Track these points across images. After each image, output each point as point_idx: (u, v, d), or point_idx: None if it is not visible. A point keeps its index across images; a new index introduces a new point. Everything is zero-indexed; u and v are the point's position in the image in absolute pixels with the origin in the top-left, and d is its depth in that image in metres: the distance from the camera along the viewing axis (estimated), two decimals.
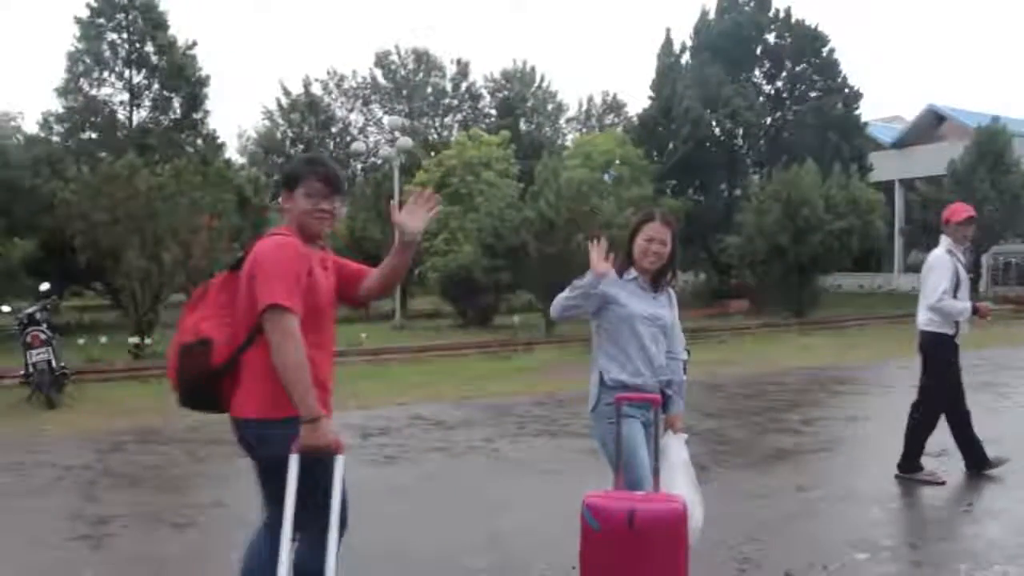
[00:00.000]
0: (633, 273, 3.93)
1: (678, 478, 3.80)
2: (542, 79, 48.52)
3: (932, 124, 35.85)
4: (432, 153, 26.62)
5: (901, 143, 35.27)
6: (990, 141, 26.60)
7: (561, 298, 3.84)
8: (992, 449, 6.54)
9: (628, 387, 3.80)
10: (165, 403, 10.09)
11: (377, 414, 9.33)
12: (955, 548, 4.83)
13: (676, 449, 3.92)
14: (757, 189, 24.45)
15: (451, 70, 49.65)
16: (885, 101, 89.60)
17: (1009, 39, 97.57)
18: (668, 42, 27.91)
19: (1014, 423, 8.65)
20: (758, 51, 27.72)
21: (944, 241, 6.37)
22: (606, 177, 26.81)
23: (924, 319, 6.34)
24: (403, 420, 8.97)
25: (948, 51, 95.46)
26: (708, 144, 26.36)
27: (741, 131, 26.94)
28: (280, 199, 3.19)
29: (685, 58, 27.82)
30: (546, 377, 12.48)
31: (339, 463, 2.99)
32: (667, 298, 4.04)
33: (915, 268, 34.30)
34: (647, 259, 3.90)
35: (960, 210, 6.41)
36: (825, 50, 27.57)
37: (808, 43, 27.38)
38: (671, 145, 26.42)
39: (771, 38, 27.78)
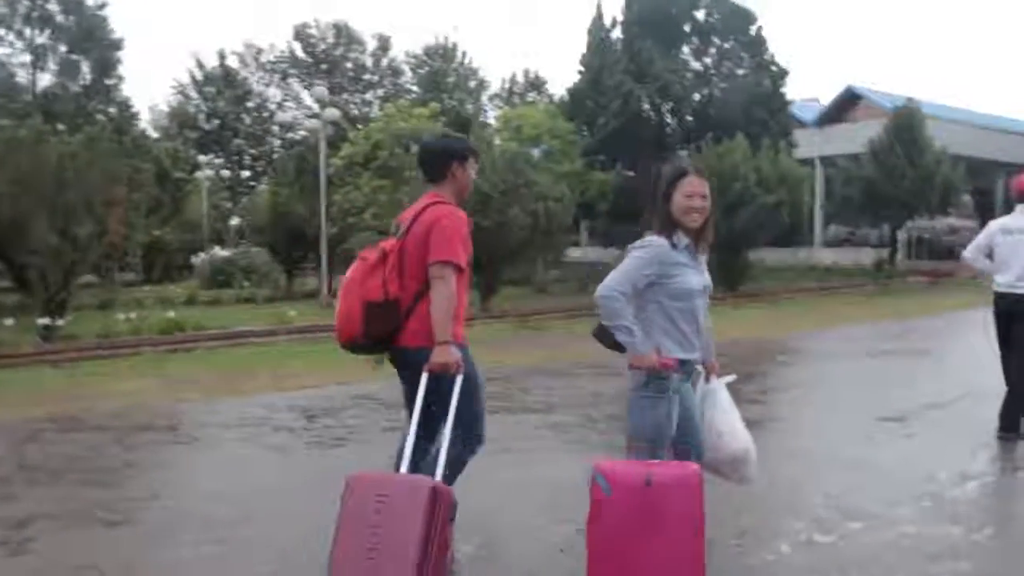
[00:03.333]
0: (684, 240, 3.64)
1: (733, 418, 3.91)
2: (464, 55, 47.91)
3: (849, 104, 36.44)
4: (359, 126, 25.90)
5: (821, 121, 35.79)
6: (905, 121, 27.08)
7: (613, 313, 3.52)
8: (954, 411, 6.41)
9: (683, 363, 3.64)
10: (84, 388, 9.49)
11: (319, 394, 8.81)
12: (952, 507, 4.60)
13: (723, 392, 3.96)
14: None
15: (372, 45, 48.61)
16: (800, 81, 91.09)
17: (919, 25, 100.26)
18: (599, 16, 27.61)
19: (961, 383, 8.70)
20: (687, 27, 27.59)
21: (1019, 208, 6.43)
22: (535, 151, 26.45)
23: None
24: (347, 400, 8.44)
25: (862, 35, 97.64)
26: (638, 119, 26.16)
27: (670, 106, 26.82)
28: (451, 173, 3.99)
29: (616, 33, 27.53)
30: (488, 351, 11.98)
31: (459, 381, 3.74)
32: (704, 258, 3.76)
33: (835, 243, 35.46)
34: (690, 217, 3.61)
35: None
36: (752, 28, 27.61)
37: (736, 21, 27.38)
38: (601, 120, 26.14)
39: (700, 15, 27.70)
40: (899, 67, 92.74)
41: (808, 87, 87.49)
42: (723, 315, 17.21)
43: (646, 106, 26.43)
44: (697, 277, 3.67)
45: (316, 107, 42.50)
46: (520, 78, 50.83)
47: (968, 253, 6.77)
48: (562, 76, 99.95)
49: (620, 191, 26.86)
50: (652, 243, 3.60)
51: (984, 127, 34.11)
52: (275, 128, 48.01)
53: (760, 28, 27.77)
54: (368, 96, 48.41)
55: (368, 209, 21.59)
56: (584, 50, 27.45)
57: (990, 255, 6.55)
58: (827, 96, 39.79)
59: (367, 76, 48.59)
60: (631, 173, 28.14)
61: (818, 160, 32.58)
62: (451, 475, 3.78)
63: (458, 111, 38.83)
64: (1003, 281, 6.36)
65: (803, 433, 6.88)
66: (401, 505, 3.25)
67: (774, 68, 27.49)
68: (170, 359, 11.85)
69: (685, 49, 27.88)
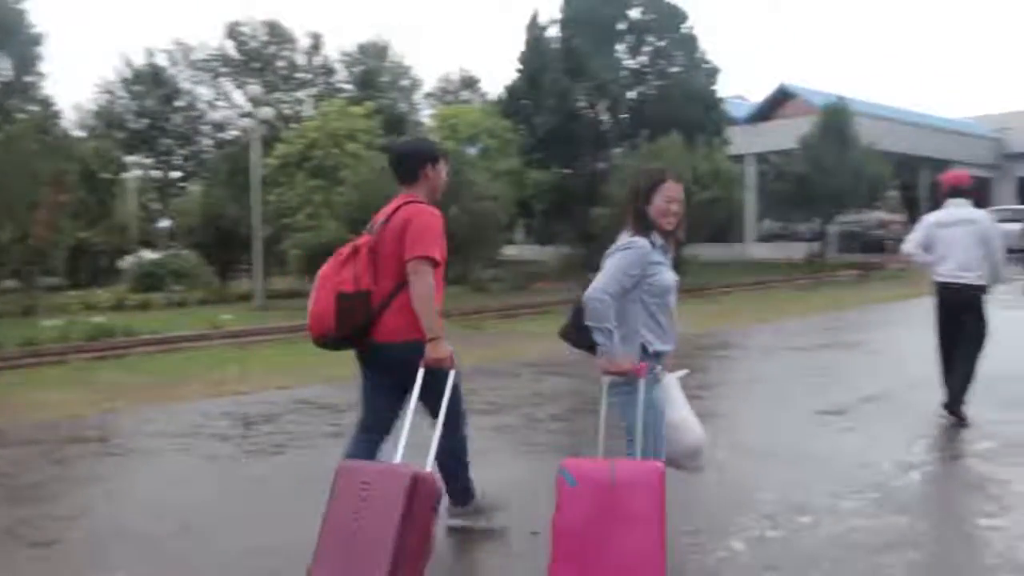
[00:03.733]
0: (659, 240, 3.83)
1: (687, 411, 4.06)
2: (396, 53, 47.54)
3: (780, 101, 37.02)
4: (292, 125, 25.44)
5: (753, 118, 36.31)
6: (835, 118, 27.57)
7: (600, 316, 3.65)
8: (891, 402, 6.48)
9: (662, 356, 3.87)
10: (7, 399, 9.12)
11: (256, 399, 8.57)
12: (897, 497, 4.62)
13: (676, 387, 4.14)
14: (623, 161, 24.51)
15: (304, 42, 47.93)
16: (731, 80, 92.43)
17: (847, 26, 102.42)
18: (535, 15, 27.65)
19: (896, 375, 8.83)
20: (622, 26, 27.70)
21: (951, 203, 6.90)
22: (471, 150, 26.34)
23: (976, 275, 6.63)
24: (287, 405, 8.23)
25: (789, 34, 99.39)
26: (575, 117, 26.21)
27: (606, 104, 26.92)
28: (423, 174, 4.16)
29: (553, 31, 27.56)
30: None
31: (452, 375, 3.93)
32: (671, 255, 3.97)
33: (767, 238, 36.01)
34: (667, 220, 3.83)
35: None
36: (685, 27, 27.83)
37: (669, 19, 27.57)
38: (538, 118, 26.12)
39: (635, 13, 27.82)
40: (828, 66, 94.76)
41: (738, 86, 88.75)
42: None
43: (583, 104, 26.51)
44: (670, 273, 3.86)
45: (248, 106, 41.90)
46: (454, 76, 50.70)
47: (908, 247, 7.02)
48: (497, 75, 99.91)
49: (557, 189, 26.89)
50: (635, 244, 3.74)
51: (909, 123, 34.93)
52: (206, 128, 47.01)
53: (692, 27, 28.06)
54: (301, 95, 47.69)
55: (303, 209, 21.28)
56: (522, 48, 27.43)
57: (927, 248, 6.86)
58: (756, 94, 40.45)
59: (300, 75, 47.89)
60: (568, 171, 28.20)
61: (751, 157, 33.05)
62: (459, 460, 4.23)
63: (392, 110, 38.55)
64: (945, 272, 6.70)
65: (746, 428, 6.87)
66: (382, 493, 3.37)
67: (707, 66, 27.77)
68: (99, 367, 11.50)
69: (620, 47, 27.99)
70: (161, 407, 8.39)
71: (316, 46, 47.84)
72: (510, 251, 31.15)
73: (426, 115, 44.07)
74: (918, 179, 35.63)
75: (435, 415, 3.92)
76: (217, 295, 22.88)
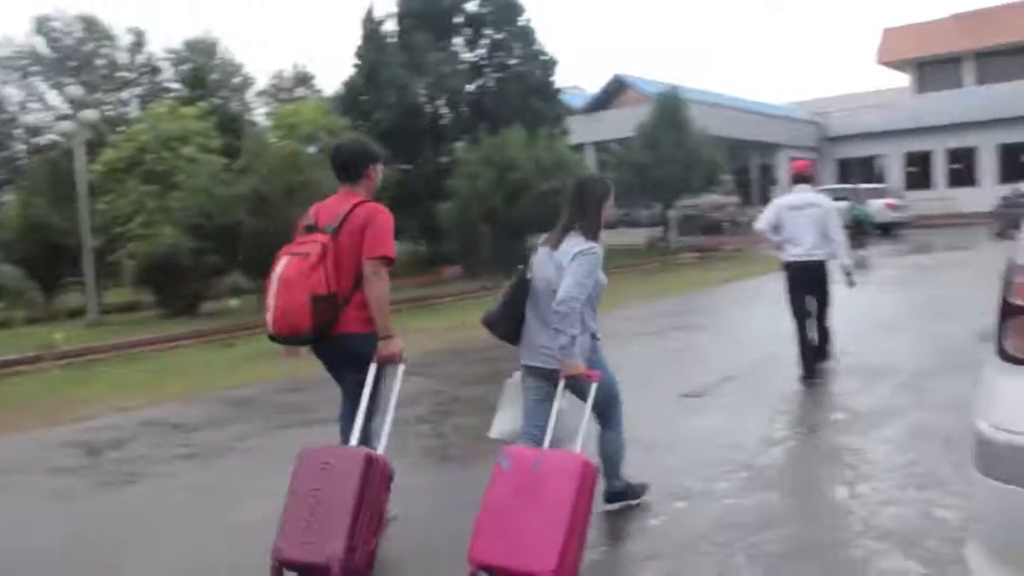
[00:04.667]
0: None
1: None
2: (226, 50, 45.88)
3: (616, 91, 37.91)
4: (118, 128, 24.14)
5: (590, 109, 37.03)
6: (670, 106, 28.35)
7: (573, 320, 4.02)
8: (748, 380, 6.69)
9: (597, 337, 4.41)
10: None
11: (99, 424, 8.00)
12: (765, 474, 4.74)
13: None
14: (465, 155, 24.48)
15: (125, 40, 45.58)
16: (567, 71, 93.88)
17: (675, 17, 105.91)
18: (371, 9, 27.11)
19: (749, 353, 9.12)
20: (459, 19, 27.62)
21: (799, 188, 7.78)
22: (311, 149, 25.70)
23: (822, 252, 7.39)
24: (133, 428, 7.73)
25: (620, 25, 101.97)
26: (414, 112, 25.95)
27: (446, 98, 26.78)
28: (366, 174, 4.39)
29: (389, 25, 27.19)
30: (278, 362, 11.51)
31: (399, 368, 4.18)
32: None
33: (609, 225, 36.53)
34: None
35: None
36: (522, 19, 27.99)
37: (505, 12, 27.65)
38: (377, 114, 25.71)
39: (471, 7, 27.79)
40: (658, 56, 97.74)
41: (574, 76, 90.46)
42: None
43: (422, 99, 26.28)
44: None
45: (67, 108, 39.47)
46: (287, 73, 49.37)
47: (760, 224, 7.69)
48: (333, 71, 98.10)
49: (400, 185, 26.58)
50: (595, 249, 4.15)
51: (738, 110, 36.42)
52: (18, 132, 44.05)
53: (529, 20, 28.22)
54: (125, 95, 45.43)
55: (136, 217, 20.23)
56: (358, 43, 26.93)
57: (775, 228, 7.55)
58: (592, 85, 41.27)
59: (122, 73, 45.54)
60: (409, 167, 27.94)
61: (590, 146, 33.69)
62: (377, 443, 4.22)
63: (226, 109, 37.26)
64: (798, 252, 7.38)
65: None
66: (340, 471, 3.70)
67: (544, 58, 28.03)
68: None
69: (458, 41, 27.92)
70: None
71: (139, 43, 45.62)
72: None
73: (260, 114, 42.72)
74: (749, 163, 37.22)
75: (377, 401, 4.19)
76: (45, 312, 21.47)
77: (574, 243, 4.14)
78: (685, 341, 10.71)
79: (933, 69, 45.42)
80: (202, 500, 5.43)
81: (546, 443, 3.92)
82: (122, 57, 45.67)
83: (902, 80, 47.18)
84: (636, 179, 27.97)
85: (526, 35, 28.05)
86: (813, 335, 7.59)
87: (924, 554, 3.79)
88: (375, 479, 3.71)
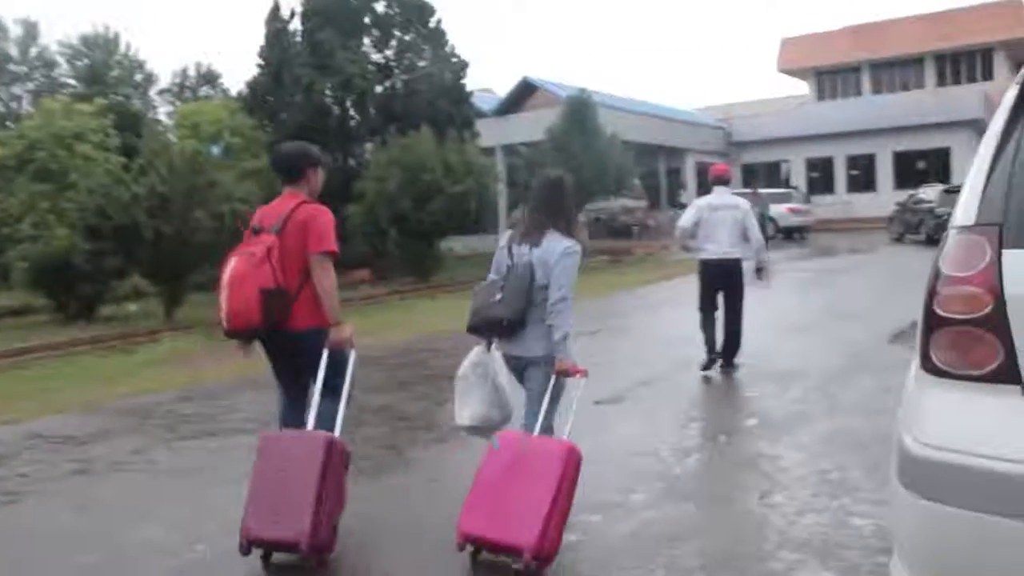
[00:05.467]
0: None
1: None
2: (127, 47, 44.38)
3: (525, 94, 37.88)
4: (8, 124, 23.08)
5: (499, 111, 36.92)
6: (579, 109, 28.46)
7: (570, 318, 4.29)
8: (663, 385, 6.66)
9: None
10: None
11: None
12: (681, 484, 4.68)
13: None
14: (372, 157, 24.11)
15: (15, 32, 43.72)
16: (477, 73, 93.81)
17: (583, 22, 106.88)
18: (276, 7, 26.43)
19: (664, 357, 9.09)
20: (367, 19, 27.18)
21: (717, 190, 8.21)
22: (215, 149, 25.03)
23: (738, 251, 7.91)
24: (18, 442, 7.21)
25: (529, 28, 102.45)
26: (321, 113, 25.44)
27: (353, 99, 26.31)
28: (307, 175, 4.65)
29: (295, 24, 26.56)
30: (180, 369, 11.08)
31: (352, 354, 4.52)
32: None
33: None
34: None
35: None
36: (432, 20, 27.70)
37: (415, 13, 27.35)
38: (283, 114, 25.15)
39: (380, 7, 27.34)
40: (567, 60, 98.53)
41: (484, 79, 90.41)
42: (418, 309, 17.09)
43: (329, 99, 25.77)
44: None
45: None
46: (192, 71, 48.02)
47: (683, 222, 8.13)
48: (240, 70, 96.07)
49: None
50: (578, 247, 4.33)
51: (646, 114, 36.76)
52: None
53: (440, 21, 27.93)
54: (16, 90, 43.59)
55: (26, 218, 19.29)
56: (262, 42, 26.30)
57: (695, 225, 8.01)
58: (501, 88, 41.17)
59: (13, 67, 43.67)
60: None
61: (500, 148, 33.57)
62: (332, 425, 4.38)
63: (126, 107, 36.08)
64: (715, 250, 7.86)
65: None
66: (303, 453, 4.03)
67: (455, 60, 27.81)
68: None
69: (366, 41, 27.46)
70: None
71: (32, 36, 43.81)
72: None
73: (164, 113, 41.48)
74: (658, 166, 37.65)
75: (332, 387, 4.40)
76: None
77: (557, 241, 4.27)
78: (599, 346, 10.62)
79: (831, 78, 46.86)
80: (93, 520, 5.10)
81: (537, 429, 4.28)
82: (13, 50, 43.78)
83: (803, 88, 48.53)
84: None
85: (437, 37, 27.80)
86: (719, 334, 8.02)
87: (842, 564, 3.76)
88: (336, 460, 4.05)
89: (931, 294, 2.42)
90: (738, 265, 7.93)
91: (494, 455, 4.04)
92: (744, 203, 8.13)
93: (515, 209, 36.42)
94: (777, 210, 28.08)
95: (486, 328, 4.39)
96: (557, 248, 4.23)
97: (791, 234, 29.68)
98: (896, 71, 44.86)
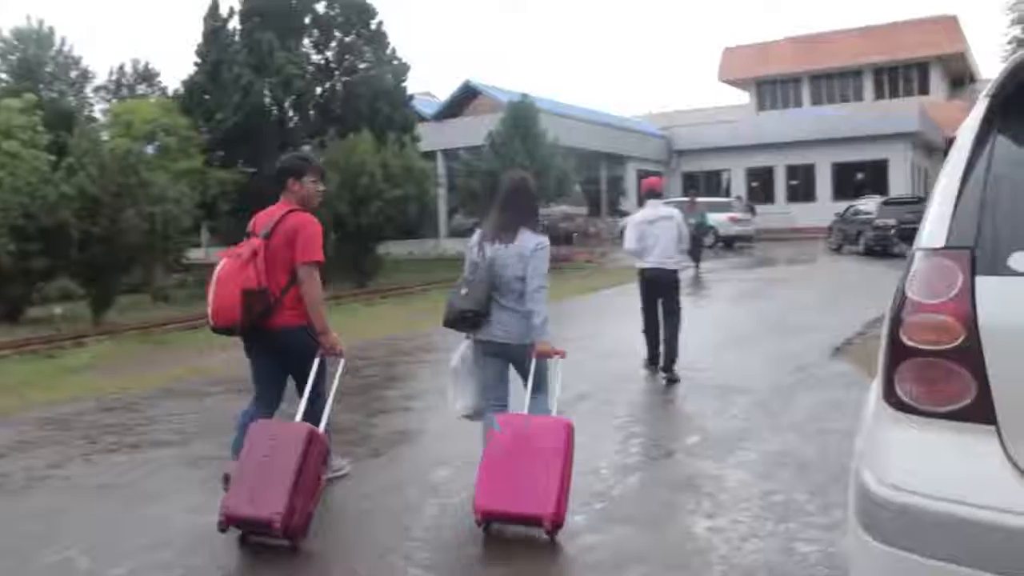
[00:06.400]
0: None
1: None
2: (63, 42, 43.12)
3: (467, 98, 37.66)
4: None
5: (440, 115, 36.65)
6: (521, 115, 28.29)
7: (544, 309, 4.82)
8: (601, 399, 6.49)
9: None
10: None
11: None
12: (622, 506, 4.51)
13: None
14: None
15: None
16: (418, 77, 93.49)
17: (527, 29, 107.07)
18: (215, 5, 25.85)
19: (602, 370, 8.94)
20: (308, 20, 26.72)
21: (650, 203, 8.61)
22: (149, 149, 24.38)
23: (676, 260, 8.46)
24: None
25: (479, 36, 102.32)
26: (259, 113, 24.93)
27: (292, 100, 25.85)
28: (288, 185, 5.00)
29: (233, 23, 26.00)
30: (106, 376, 10.66)
31: (340, 361, 5.05)
32: None
33: (459, 233, 36.49)
34: None
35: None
36: (373, 23, 27.35)
37: (357, 15, 26.97)
38: (220, 114, 24.60)
39: (320, 7, 26.91)
40: (511, 66, 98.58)
41: (425, 83, 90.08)
42: (354, 314, 16.68)
43: (267, 100, 25.28)
44: None
45: None
46: (128, 69, 46.83)
47: (629, 245, 8.49)
48: (177, 68, 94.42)
49: (243, 189, 25.54)
50: (547, 242, 4.84)
51: (588, 121, 36.77)
52: None
53: (381, 23, 27.63)
54: None
55: None
56: (199, 40, 25.72)
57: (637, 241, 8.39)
58: (442, 92, 40.91)
59: None
60: (253, 170, 26.92)
61: (440, 153, 33.31)
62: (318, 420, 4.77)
63: (58, 104, 35.01)
64: (653, 260, 8.27)
65: (458, 442, 6.23)
66: (285, 442, 4.32)
67: (396, 63, 27.48)
68: None
69: (306, 42, 27.01)
70: None
71: None
72: (196, 254, 29.30)
73: (99, 110, 40.33)
74: (599, 174, 37.68)
75: (315, 391, 4.87)
76: None
77: (528, 237, 4.77)
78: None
79: (772, 88, 47.50)
80: (2, 540, 4.77)
81: (525, 409, 4.72)
82: None
83: (744, 98, 49.08)
84: (486, 187, 27.82)
85: (378, 39, 27.49)
86: (671, 340, 8.36)
87: None
88: (315, 452, 4.36)
89: (896, 321, 2.23)
90: (674, 274, 8.42)
91: (498, 437, 4.42)
92: (677, 213, 8.59)
93: (455, 213, 36.26)
94: (718, 219, 28.18)
95: (458, 321, 4.81)
96: (530, 243, 4.73)
97: (731, 243, 29.87)
98: (836, 83, 45.65)
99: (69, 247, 15.67)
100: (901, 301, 2.23)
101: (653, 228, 8.28)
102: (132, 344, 13.39)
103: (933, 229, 2.25)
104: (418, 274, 24.28)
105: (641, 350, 8.88)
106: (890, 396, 2.24)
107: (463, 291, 4.78)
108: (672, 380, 8.11)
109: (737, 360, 9.28)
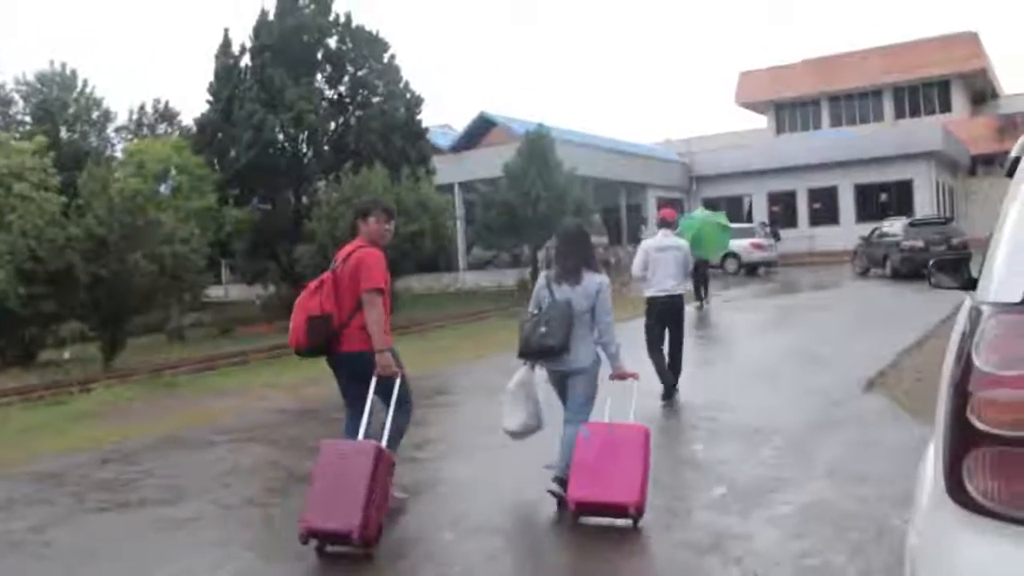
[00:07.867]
0: None
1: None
2: (85, 84, 43.38)
3: (483, 130, 37.41)
4: None
5: (457, 147, 36.40)
6: (537, 145, 27.96)
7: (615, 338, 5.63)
8: None
9: None
10: None
11: None
12: None
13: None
14: (325, 196, 23.37)
15: None
16: (434, 109, 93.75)
17: (544, 59, 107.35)
18: (227, 42, 25.69)
19: (616, 404, 8.39)
20: (319, 55, 26.52)
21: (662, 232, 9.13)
22: (162, 188, 24.24)
23: (680, 288, 8.87)
24: None
25: (495, 67, 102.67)
26: (272, 150, 24.67)
27: (305, 136, 25.61)
28: (355, 224, 5.78)
29: (245, 60, 25.83)
30: (110, 423, 10.33)
31: (398, 380, 5.42)
32: None
33: (478, 266, 36.16)
34: None
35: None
36: (386, 56, 27.08)
37: (369, 48, 26.73)
38: (233, 152, 24.39)
39: (332, 42, 26.67)
40: (527, 97, 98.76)
41: (440, 115, 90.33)
42: None
43: (280, 136, 25.02)
44: None
45: None
46: (149, 108, 47.00)
47: (636, 270, 8.94)
48: (195, 106, 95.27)
49: (258, 227, 25.30)
50: (607, 280, 5.58)
51: (606, 150, 36.39)
52: None
53: (393, 56, 27.33)
54: None
55: None
56: (212, 78, 25.58)
57: (645, 267, 8.85)
58: (458, 123, 40.74)
59: None
60: (269, 207, 26.67)
61: (457, 185, 33.02)
62: (396, 440, 5.44)
63: (78, 145, 35.10)
64: (662, 288, 8.70)
65: (464, 501, 5.92)
66: (355, 459, 4.72)
67: (409, 96, 27.22)
68: None
69: (319, 77, 26.77)
70: None
71: None
72: (216, 292, 29.07)
73: (120, 150, 40.42)
74: (619, 202, 37.27)
75: (385, 405, 5.43)
76: None
77: (591, 278, 5.51)
78: (551, 396, 9.96)
79: (790, 111, 47.07)
80: None
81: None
82: None
83: (762, 121, 48.66)
84: (503, 219, 27.47)
85: (391, 72, 27.22)
86: (676, 364, 8.85)
87: None
88: (383, 466, 4.76)
89: (961, 396, 1.71)
90: (681, 301, 8.89)
91: (586, 441, 5.08)
92: (685, 244, 9.10)
93: (473, 247, 35.91)
94: (740, 245, 27.59)
95: (538, 354, 5.49)
96: (594, 284, 5.48)
97: (755, 269, 29.31)
98: (855, 104, 45.17)
99: (77, 290, 15.44)
100: (966, 369, 1.72)
101: (662, 256, 8.73)
102: (140, 389, 13.06)
103: (1005, 279, 1.76)
104: (436, 310, 23.86)
105: (657, 386, 8.55)
106: (957, 492, 1.73)
107: (542, 329, 5.37)
108: (673, 392, 8.65)
109: (763, 396, 8.77)
